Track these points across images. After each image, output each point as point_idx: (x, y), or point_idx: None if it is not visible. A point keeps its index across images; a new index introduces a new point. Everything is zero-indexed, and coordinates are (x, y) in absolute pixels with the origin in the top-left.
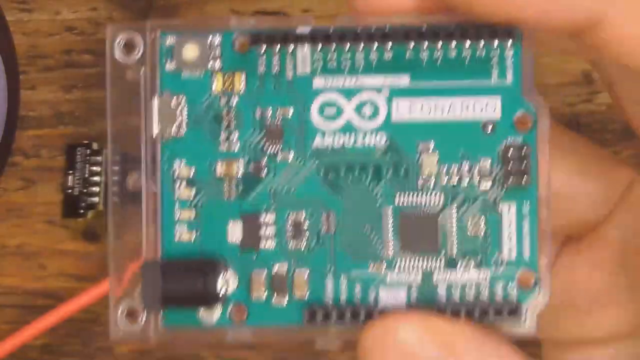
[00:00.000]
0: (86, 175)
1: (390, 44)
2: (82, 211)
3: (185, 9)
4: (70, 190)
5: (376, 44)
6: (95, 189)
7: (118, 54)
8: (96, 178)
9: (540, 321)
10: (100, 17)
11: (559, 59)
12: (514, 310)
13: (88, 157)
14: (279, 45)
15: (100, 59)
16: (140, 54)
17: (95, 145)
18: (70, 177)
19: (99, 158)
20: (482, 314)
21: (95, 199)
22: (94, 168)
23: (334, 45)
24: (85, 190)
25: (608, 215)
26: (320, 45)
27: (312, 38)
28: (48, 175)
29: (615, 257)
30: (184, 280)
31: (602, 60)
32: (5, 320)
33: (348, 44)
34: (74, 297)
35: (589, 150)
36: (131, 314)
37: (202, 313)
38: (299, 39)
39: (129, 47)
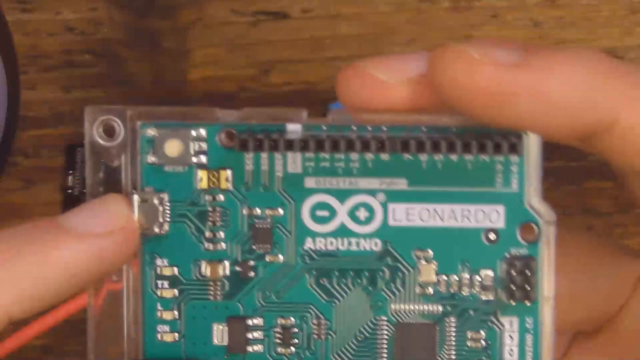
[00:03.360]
0: None
1: (386, 151)
2: None
3: (185, 8)
4: (70, 190)
5: (372, 151)
6: None
7: (97, 137)
8: None
9: None
10: (100, 17)
11: None
12: None
13: None
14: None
15: (100, 59)
16: (120, 138)
17: None
18: (70, 177)
19: None
20: None
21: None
22: None
23: (326, 151)
24: (85, 190)
25: (620, 310)
26: (311, 151)
27: (304, 145)
28: (48, 175)
29: (630, 351)
30: None
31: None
32: None
33: (341, 150)
34: (73, 297)
35: (596, 246)
36: None
37: None
38: (289, 146)
39: (108, 131)
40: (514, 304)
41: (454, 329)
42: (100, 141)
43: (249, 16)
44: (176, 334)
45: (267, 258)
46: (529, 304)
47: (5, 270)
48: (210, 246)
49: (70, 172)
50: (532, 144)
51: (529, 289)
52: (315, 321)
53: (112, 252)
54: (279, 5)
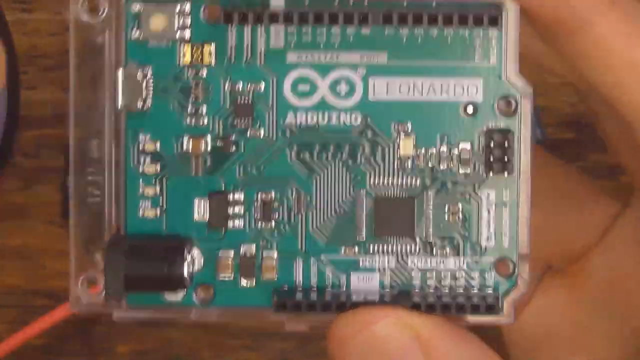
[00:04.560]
0: None
1: (368, 24)
2: None
3: None
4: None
5: (354, 25)
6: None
7: (82, 13)
8: None
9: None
10: None
11: (561, 59)
12: (492, 306)
13: None
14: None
15: None
16: (104, 15)
17: None
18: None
19: None
20: (458, 310)
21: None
22: None
23: (309, 23)
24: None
25: (591, 249)
26: (295, 23)
27: (287, 17)
28: (48, 175)
29: (597, 295)
30: (148, 267)
31: (589, 96)
32: (5, 320)
33: (325, 23)
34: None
35: (574, 179)
36: (93, 285)
37: (167, 294)
38: (273, 19)
39: (92, 7)
40: (491, 177)
41: (432, 203)
42: (84, 18)
43: None
44: (158, 210)
45: (249, 133)
46: (506, 177)
47: None
48: (193, 121)
49: None
50: (512, 18)
51: (506, 161)
52: (295, 195)
53: None
54: None
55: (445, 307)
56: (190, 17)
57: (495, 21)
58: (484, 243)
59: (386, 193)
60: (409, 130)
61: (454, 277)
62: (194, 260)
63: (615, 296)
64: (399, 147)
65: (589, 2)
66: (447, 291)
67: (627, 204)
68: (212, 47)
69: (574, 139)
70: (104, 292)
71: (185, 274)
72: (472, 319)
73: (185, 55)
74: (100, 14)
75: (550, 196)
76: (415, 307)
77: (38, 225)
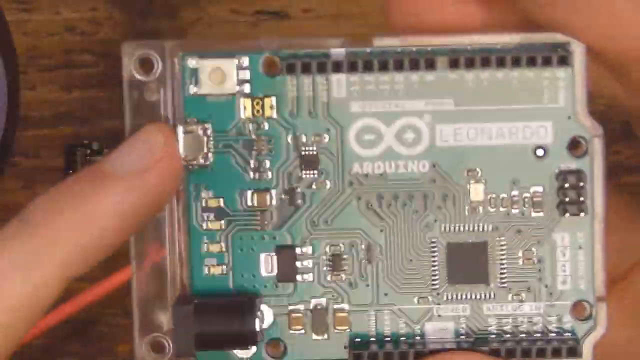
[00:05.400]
0: None
1: (435, 69)
2: None
3: (185, 9)
4: None
5: (419, 70)
6: None
7: (135, 72)
8: None
9: None
10: (100, 17)
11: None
12: (573, 349)
13: (88, 157)
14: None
15: (100, 59)
16: (158, 72)
17: (95, 145)
18: None
19: (99, 158)
20: (539, 354)
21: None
22: None
23: (373, 71)
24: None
25: (631, 270)
26: (359, 71)
27: (351, 65)
28: (48, 175)
29: (637, 314)
30: (218, 323)
31: None
32: None
33: (390, 70)
34: (74, 297)
35: (616, 201)
36: (157, 348)
37: (237, 351)
38: (337, 67)
39: (145, 65)
40: (564, 219)
41: (506, 248)
42: (138, 76)
43: (249, 16)
44: (224, 267)
45: (315, 185)
46: (580, 219)
47: (58, 227)
48: (257, 175)
49: (70, 172)
50: (578, 58)
51: (579, 203)
52: (364, 246)
53: (157, 185)
54: (279, 5)
55: (525, 352)
56: (248, 70)
57: (564, 61)
58: (559, 287)
59: (458, 239)
60: (479, 176)
61: (531, 322)
62: (263, 316)
63: None
64: (469, 193)
65: None
66: (524, 336)
67: None
68: (273, 100)
69: None
70: (174, 351)
71: (257, 328)
72: None
73: (246, 109)
74: (154, 72)
75: None
76: (494, 352)
77: None
